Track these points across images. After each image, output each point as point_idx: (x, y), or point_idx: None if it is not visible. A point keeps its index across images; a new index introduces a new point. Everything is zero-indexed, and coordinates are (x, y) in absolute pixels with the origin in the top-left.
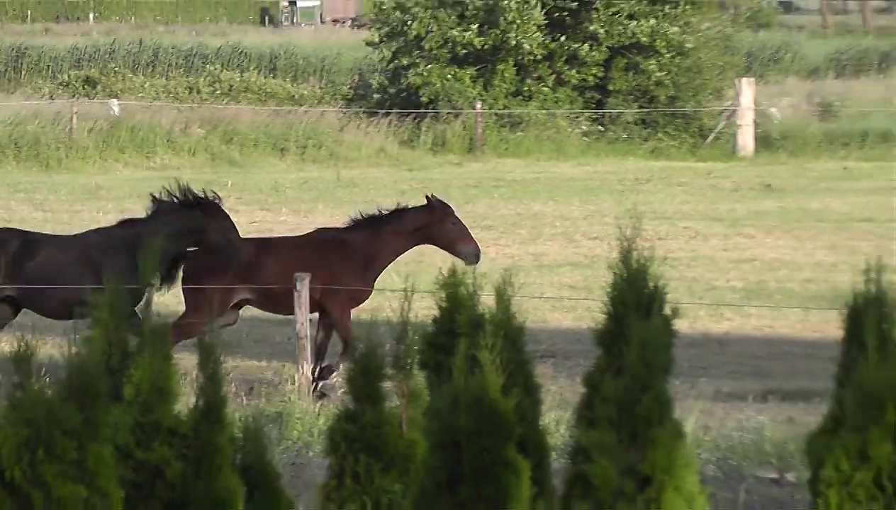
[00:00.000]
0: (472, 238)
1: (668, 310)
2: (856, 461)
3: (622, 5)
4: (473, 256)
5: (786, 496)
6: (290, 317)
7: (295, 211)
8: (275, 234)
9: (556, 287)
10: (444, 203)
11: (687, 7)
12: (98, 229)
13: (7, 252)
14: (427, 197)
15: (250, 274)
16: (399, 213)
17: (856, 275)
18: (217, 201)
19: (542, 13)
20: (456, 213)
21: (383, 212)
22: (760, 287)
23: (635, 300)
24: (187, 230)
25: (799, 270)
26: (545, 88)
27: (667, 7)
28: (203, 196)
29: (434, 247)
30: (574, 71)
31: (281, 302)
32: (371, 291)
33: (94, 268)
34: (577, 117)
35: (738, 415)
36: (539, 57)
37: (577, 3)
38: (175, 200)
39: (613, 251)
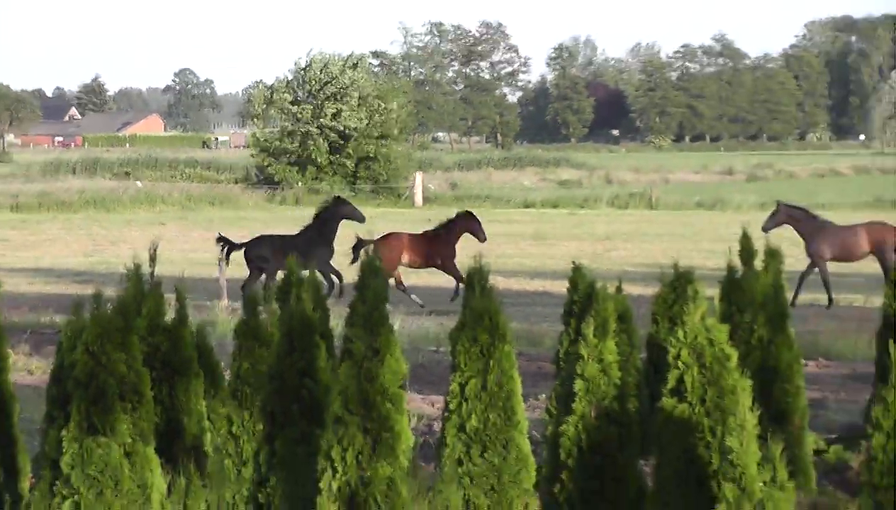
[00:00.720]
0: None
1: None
2: None
3: (369, 146)
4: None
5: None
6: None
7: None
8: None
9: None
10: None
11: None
12: (306, 227)
13: (274, 243)
14: (461, 213)
15: (412, 249)
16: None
17: None
18: (341, 198)
19: (327, 145)
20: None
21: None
22: None
23: None
24: (340, 216)
25: None
26: (332, 176)
27: (388, 139)
28: (335, 197)
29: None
30: (340, 169)
31: (421, 262)
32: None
33: (309, 247)
34: (342, 186)
35: None
36: (325, 163)
37: (343, 140)
38: (327, 206)
39: None
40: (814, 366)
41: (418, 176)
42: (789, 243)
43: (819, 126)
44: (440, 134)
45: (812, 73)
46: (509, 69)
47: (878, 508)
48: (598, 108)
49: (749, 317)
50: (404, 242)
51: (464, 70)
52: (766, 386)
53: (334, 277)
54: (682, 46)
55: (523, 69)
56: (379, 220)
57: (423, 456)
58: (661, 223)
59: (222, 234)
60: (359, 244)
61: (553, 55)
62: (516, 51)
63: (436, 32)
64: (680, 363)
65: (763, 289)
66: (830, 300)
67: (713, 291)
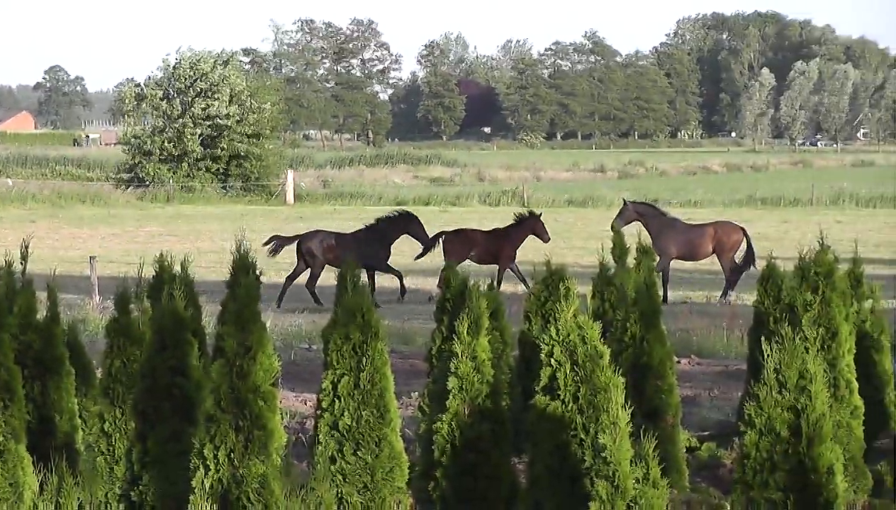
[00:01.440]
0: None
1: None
2: None
3: (241, 144)
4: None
5: None
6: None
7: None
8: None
9: None
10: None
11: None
12: (361, 229)
13: (329, 238)
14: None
15: (482, 245)
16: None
17: None
18: (410, 213)
19: (199, 141)
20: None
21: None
22: None
23: None
24: (399, 229)
25: None
26: (204, 173)
27: (260, 137)
28: (401, 212)
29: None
30: (214, 166)
31: (488, 259)
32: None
33: (365, 247)
34: (214, 184)
35: None
36: (199, 158)
37: (215, 137)
38: (392, 215)
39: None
40: (686, 364)
41: (290, 174)
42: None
43: (690, 123)
44: (311, 132)
45: (683, 71)
46: (381, 67)
47: (750, 505)
48: (470, 106)
49: (622, 314)
50: (476, 239)
51: (335, 67)
52: (639, 383)
53: (397, 278)
54: (554, 44)
55: (395, 66)
56: (250, 218)
57: (297, 454)
58: None
59: (275, 234)
60: (434, 239)
61: (424, 52)
62: (387, 48)
63: (307, 30)
64: (553, 361)
65: (635, 287)
66: (665, 298)
67: (586, 289)
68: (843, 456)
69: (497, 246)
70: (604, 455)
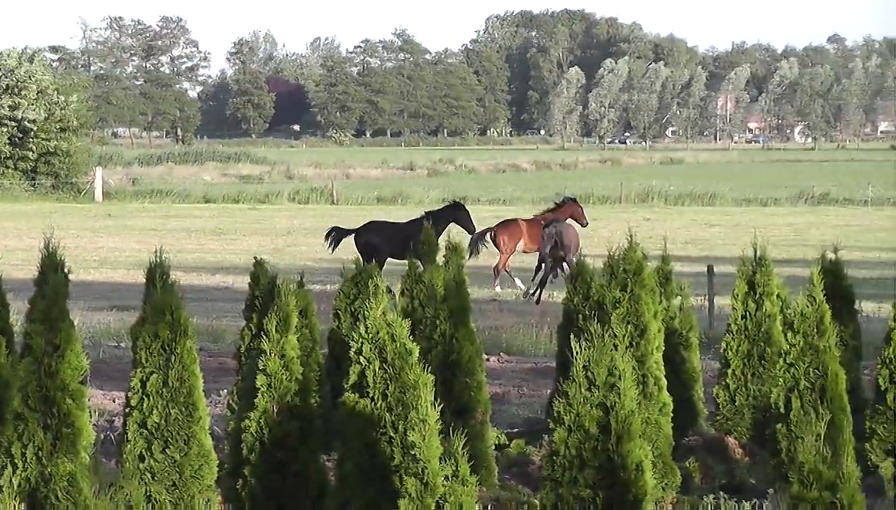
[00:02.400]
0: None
1: None
2: None
3: (49, 141)
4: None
5: None
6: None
7: None
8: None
9: None
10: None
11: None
12: (416, 219)
13: (384, 229)
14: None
15: (529, 235)
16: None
17: None
18: (457, 203)
19: (7, 138)
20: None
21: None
22: None
23: None
24: (447, 218)
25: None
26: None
27: (68, 134)
28: (451, 201)
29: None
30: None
31: (533, 247)
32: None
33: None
34: (22, 181)
35: None
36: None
37: (22, 134)
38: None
39: None
40: (496, 361)
41: (98, 171)
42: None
43: (500, 121)
44: (120, 129)
45: (492, 69)
46: (189, 64)
47: (559, 502)
48: (279, 104)
49: (431, 312)
50: (523, 229)
51: (144, 65)
52: (448, 381)
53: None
54: (363, 41)
55: (203, 64)
56: (59, 215)
57: (105, 452)
58: (343, 218)
59: (335, 226)
60: (480, 235)
61: (233, 50)
62: (197, 46)
63: (116, 27)
64: (362, 358)
65: (445, 284)
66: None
67: (395, 286)
68: (651, 453)
69: (539, 233)
70: (413, 452)
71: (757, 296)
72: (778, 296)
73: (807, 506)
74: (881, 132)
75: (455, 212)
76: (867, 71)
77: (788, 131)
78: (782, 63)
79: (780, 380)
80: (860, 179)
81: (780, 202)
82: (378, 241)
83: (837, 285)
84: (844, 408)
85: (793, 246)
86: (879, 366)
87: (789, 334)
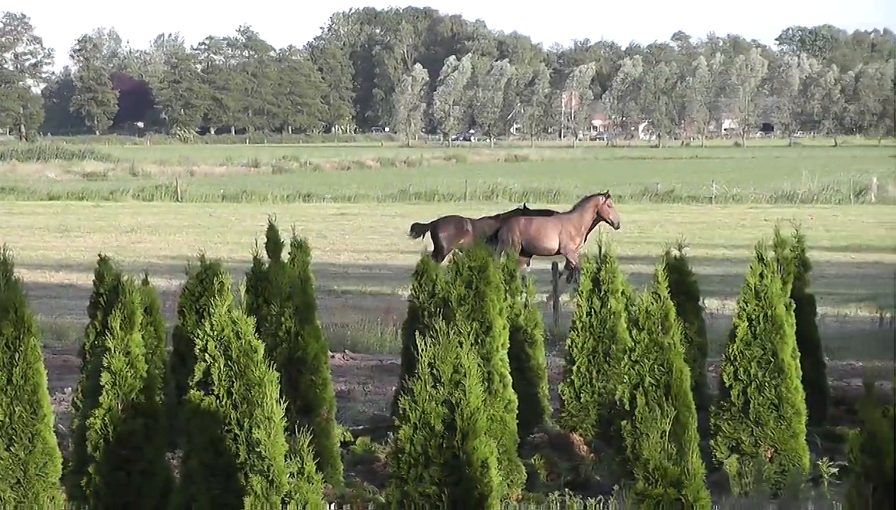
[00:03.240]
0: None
1: None
2: None
3: None
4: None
5: None
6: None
7: None
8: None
9: None
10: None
11: None
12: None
13: (462, 223)
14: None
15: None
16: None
17: None
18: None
19: None
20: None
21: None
22: None
23: None
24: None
25: None
26: None
27: None
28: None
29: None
30: None
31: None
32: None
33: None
34: None
35: None
36: None
37: None
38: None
39: None
40: (341, 359)
41: None
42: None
43: (344, 118)
44: None
45: (337, 66)
46: (33, 61)
47: (405, 499)
48: (123, 100)
49: (276, 308)
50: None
51: None
52: (293, 378)
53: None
54: (207, 38)
55: (47, 60)
56: None
57: None
58: (188, 215)
59: (415, 223)
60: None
61: (77, 47)
62: (40, 42)
63: None
64: (207, 356)
65: (290, 282)
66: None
67: (240, 283)
68: (497, 450)
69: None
70: (258, 450)
71: (602, 293)
72: (623, 293)
73: (652, 503)
74: (725, 130)
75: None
76: (711, 68)
77: (633, 129)
78: (626, 60)
79: (625, 377)
80: (704, 177)
81: (625, 199)
82: (449, 232)
83: (682, 282)
84: (689, 405)
85: (637, 243)
86: (724, 362)
87: (634, 331)
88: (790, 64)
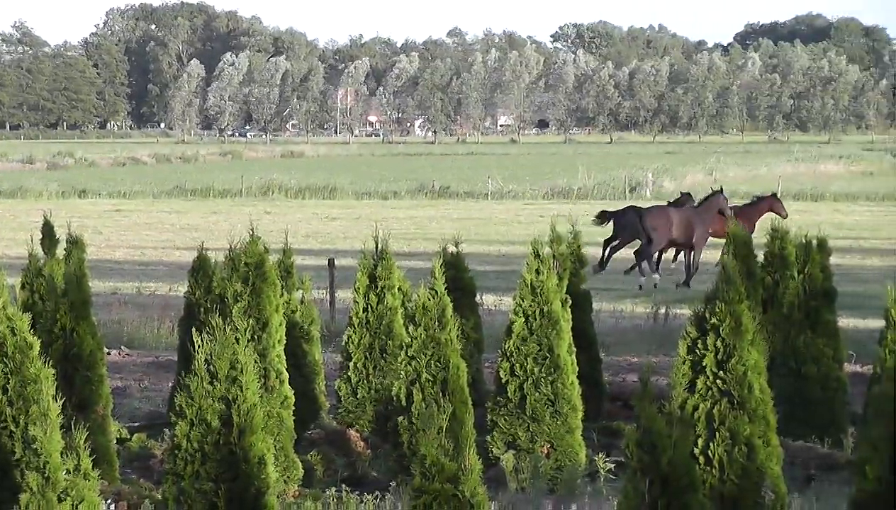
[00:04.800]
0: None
1: None
2: None
3: None
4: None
5: None
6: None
7: None
8: None
9: None
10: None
11: None
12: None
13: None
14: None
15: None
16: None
17: None
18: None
19: None
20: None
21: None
22: None
23: None
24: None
25: None
26: None
27: None
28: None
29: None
30: None
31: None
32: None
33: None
34: None
35: None
36: None
37: None
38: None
39: None
40: (117, 355)
41: None
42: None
43: (120, 114)
44: None
45: (112, 62)
46: None
47: (181, 495)
48: None
49: (51, 305)
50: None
51: None
52: (69, 374)
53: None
54: None
55: None
56: None
57: None
58: None
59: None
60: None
61: None
62: None
63: None
64: None
65: (65, 278)
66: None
67: (15, 280)
68: (274, 446)
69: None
70: (34, 446)
71: (378, 289)
72: (399, 289)
73: (429, 499)
74: (501, 126)
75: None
76: (487, 65)
77: (409, 125)
78: (402, 57)
79: (402, 372)
80: (480, 173)
81: (401, 195)
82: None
83: (459, 278)
84: (466, 401)
85: (414, 239)
86: (500, 358)
87: (411, 327)
88: (565, 60)
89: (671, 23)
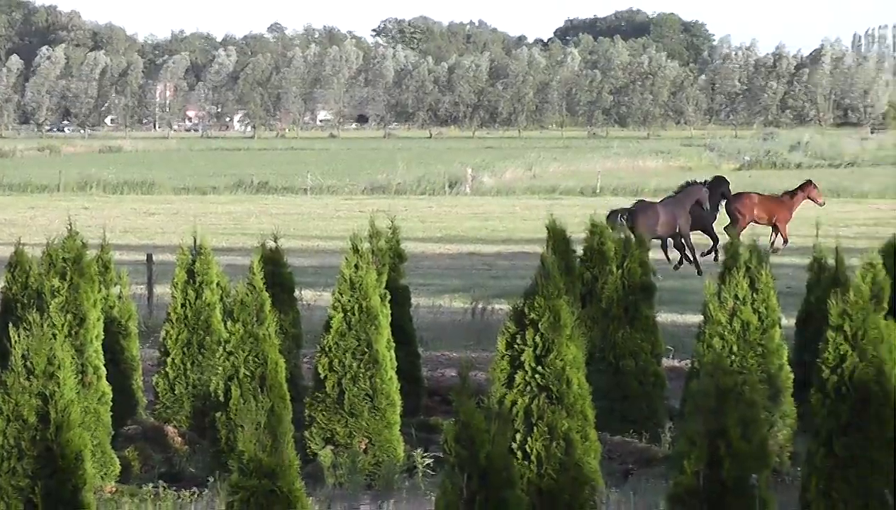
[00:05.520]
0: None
1: None
2: None
3: None
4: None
5: None
6: None
7: None
8: None
9: None
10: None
11: None
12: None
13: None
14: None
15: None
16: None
17: None
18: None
19: None
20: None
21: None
22: None
23: None
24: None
25: None
26: None
27: None
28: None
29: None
30: None
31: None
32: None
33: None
34: None
35: None
36: None
37: None
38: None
39: None
40: None
41: None
42: None
43: None
44: None
45: None
46: None
47: None
48: None
49: None
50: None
51: None
52: None
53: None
54: None
55: None
56: None
57: None
58: None
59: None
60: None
61: None
62: None
63: None
64: None
65: None
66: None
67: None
68: (91, 442)
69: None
70: None
71: (197, 284)
72: (218, 284)
73: (246, 494)
74: (320, 121)
75: (720, 185)
76: (306, 60)
77: (228, 120)
78: (221, 52)
79: (220, 368)
80: (300, 168)
81: (220, 190)
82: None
83: (277, 273)
84: (284, 396)
85: (233, 234)
86: (319, 354)
87: (229, 323)
88: (385, 55)
89: (491, 18)
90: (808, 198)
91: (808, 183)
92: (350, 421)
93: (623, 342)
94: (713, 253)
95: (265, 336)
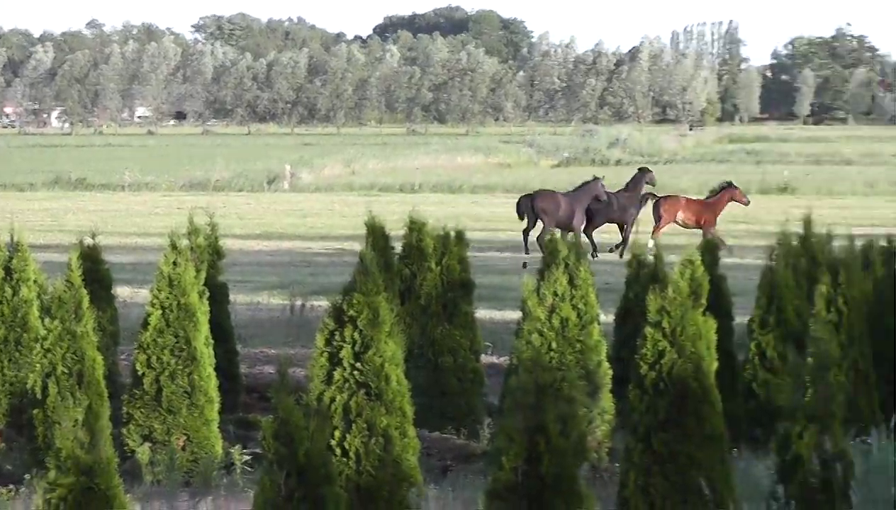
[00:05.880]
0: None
1: None
2: None
3: None
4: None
5: None
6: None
7: None
8: None
9: None
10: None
11: None
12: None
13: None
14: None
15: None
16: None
17: None
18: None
19: None
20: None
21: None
22: None
23: None
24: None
25: None
26: None
27: None
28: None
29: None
30: None
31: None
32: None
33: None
34: None
35: None
36: None
37: None
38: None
39: None
40: None
41: None
42: None
43: None
44: None
45: None
46: None
47: None
48: None
49: None
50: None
51: None
52: None
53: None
54: None
55: None
56: None
57: None
58: None
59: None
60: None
61: None
62: None
63: None
64: None
65: None
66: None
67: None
68: None
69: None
70: None
71: (14, 281)
72: (35, 281)
73: (64, 492)
74: (139, 117)
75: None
76: (124, 56)
77: (46, 116)
78: (38, 48)
79: (38, 365)
80: (118, 164)
81: (37, 187)
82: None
83: (95, 270)
84: (102, 394)
85: (50, 231)
86: (137, 351)
87: (46, 320)
88: (203, 52)
89: (310, 16)
90: (733, 199)
91: (730, 184)
92: (168, 418)
93: (442, 339)
94: (618, 249)
95: (83, 333)
